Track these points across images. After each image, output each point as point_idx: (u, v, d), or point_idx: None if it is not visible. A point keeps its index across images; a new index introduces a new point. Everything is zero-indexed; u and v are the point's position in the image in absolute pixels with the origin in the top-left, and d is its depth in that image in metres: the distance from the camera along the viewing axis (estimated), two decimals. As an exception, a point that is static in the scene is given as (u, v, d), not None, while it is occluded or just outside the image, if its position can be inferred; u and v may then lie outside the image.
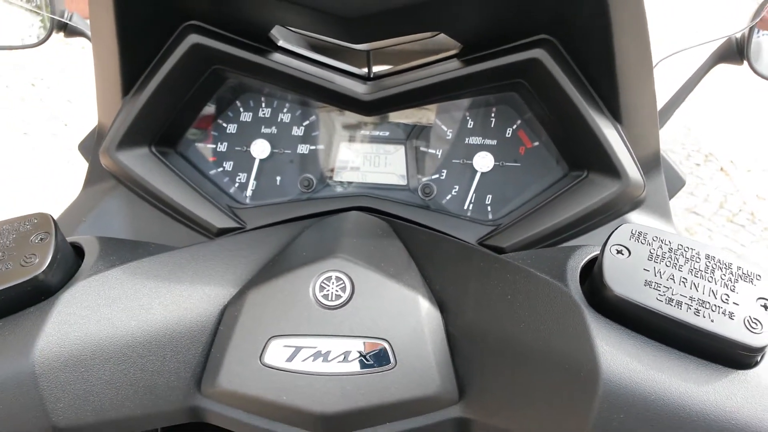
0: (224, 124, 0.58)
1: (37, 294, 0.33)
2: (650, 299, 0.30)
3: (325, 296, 0.34)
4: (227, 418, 0.33)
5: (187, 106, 0.55)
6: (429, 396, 0.31)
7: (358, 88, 0.51)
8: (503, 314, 0.33)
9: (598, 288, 0.32)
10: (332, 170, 0.56)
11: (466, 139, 0.53)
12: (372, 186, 0.55)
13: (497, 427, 0.31)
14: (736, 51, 0.74)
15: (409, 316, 0.32)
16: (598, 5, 0.41)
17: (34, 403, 0.30)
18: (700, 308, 0.30)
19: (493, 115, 0.53)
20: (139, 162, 0.52)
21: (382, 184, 0.54)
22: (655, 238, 0.33)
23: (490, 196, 0.52)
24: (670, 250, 0.32)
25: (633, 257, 0.32)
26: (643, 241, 0.33)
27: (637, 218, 0.50)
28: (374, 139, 0.55)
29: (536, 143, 0.51)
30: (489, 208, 0.52)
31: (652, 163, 0.51)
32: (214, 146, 0.58)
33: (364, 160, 0.55)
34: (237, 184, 0.58)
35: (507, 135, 0.53)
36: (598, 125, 0.46)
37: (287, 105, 0.57)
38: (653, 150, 0.50)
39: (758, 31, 0.73)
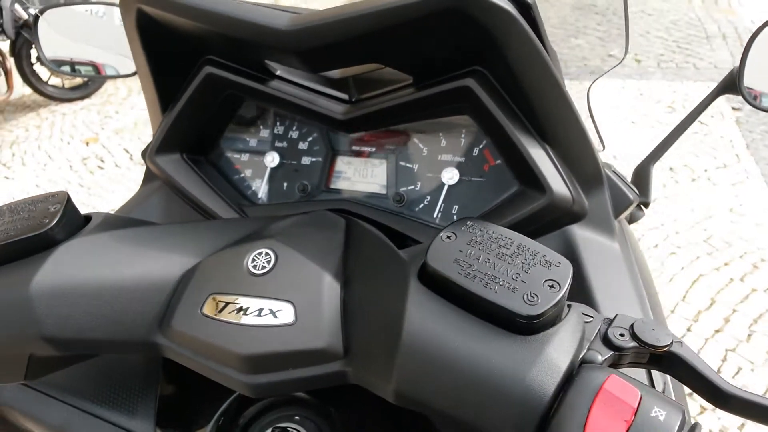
0: (247, 138, 0.67)
1: (44, 245, 0.42)
2: (452, 272, 0.36)
3: (254, 266, 0.42)
4: (177, 353, 0.41)
5: (212, 122, 0.65)
6: (319, 349, 0.39)
7: (336, 110, 0.59)
8: (375, 286, 0.40)
9: (423, 263, 0.39)
10: (329, 179, 0.64)
11: (438, 156, 0.61)
12: (358, 193, 0.63)
13: (367, 379, 0.39)
14: (737, 83, 0.76)
15: (313, 286, 0.40)
16: (498, 47, 0.48)
17: (28, 318, 0.40)
18: (489, 282, 0.35)
19: (462, 135, 0.60)
20: (172, 166, 0.64)
21: (366, 192, 0.63)
22: (482, 229, 0.39)
23: (456, 206, 0.59)
24: (489, 238, 0.38)
25: (456, 241, 0.38)
26: (470, 230, 0.39)
27: (578, 230, 0.55)
28: (363, 154, 0.63)
29: (498, 161, 0.58)
30: (455, 217, 0.59)
31: (593, 181, 0.56)
32: (238, 156, 0.67)
33: (354, 171, 0.64)
34: (252, 188, 0.67)
35: (474, 153, 0.59)
36: (524, 145, 0.51)
37: (296, 124, 0.66)
38: (592, 169, 0.56)
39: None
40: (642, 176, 0.81)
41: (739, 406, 0.36)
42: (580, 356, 0.36)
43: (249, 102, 0.65)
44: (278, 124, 0.66)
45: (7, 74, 4.17)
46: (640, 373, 0.51)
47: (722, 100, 3.66)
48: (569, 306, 0.38)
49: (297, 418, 0.50)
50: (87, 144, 3.81)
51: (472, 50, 0.50)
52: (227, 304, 0.41)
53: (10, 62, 4.22)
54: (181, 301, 0.42)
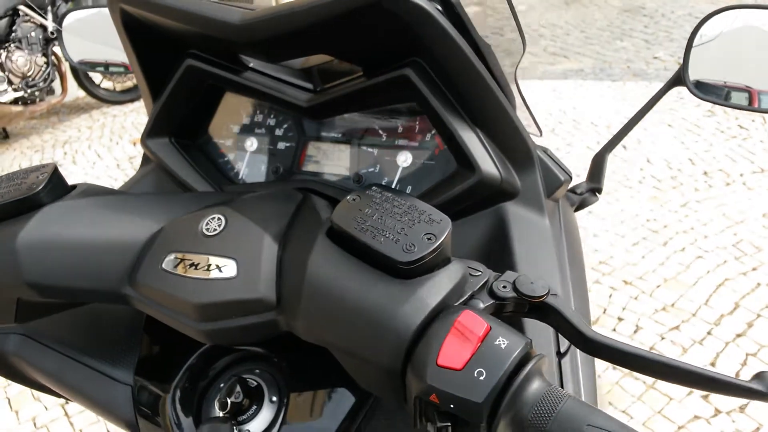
0: (231, 125, 0.74)
1: (32, 207, 0.50)
2: (350, 227, 0.41)
3: (207, 229, 0.48)
4: (142, 303, 0.48)
5: (197, 111, 0.72)
6: (255, 299, 0.44)
7: (301, 98, 0.65)
8: (302, 244, 0.46)
9: (330, 221, 0.44)
10: (300, 162, 0.71)
11: (395, 141, 0.66)
12: (326, 175, 0.69)
13: (292, 325, 0.44)
14: (682, 76, 0.78)
15: (254, 246, 0.46)
16: (421, 41, 0.53)
17: (14, 266, 0.47)
18: (377, 235, 0.40)
19: (417, 122, 0.65)
20: (162, 149, 0.72)
21: (332, 174, 0.68)
22: (382, 193, 0.44)
23: (410, 186, 0.64)
24: (386, 200, 0.43)
25: (359, 202, 0.42)
26: (372, 194, 0.44)
27: (511, 207, 0.59)
28: (331, 140, 0.69)
29: (446, 146, 0.63)
30: None
31: (524, 162, 0.60)
32: (223, 141, 0.74)
33: (322, 155, 0.70)
34: (235, 170, 0.74)
35: (426, 139, 0.64)
36: (456, 130, 0.56)
37: (273, 112, 0.73)
38: (522, 151, 0.60)
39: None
40: (597, 165, 0.84)
41: (601, 350, 0.40)
42: (460, 299, 0.41)
43: (230, 93, 0.72)
44: (257, 113, 0.73)
45: (62, 78, 4.41)
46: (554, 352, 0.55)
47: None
48: (452, 259, 0.43)
49: (257, 371, 0.56)
50: (134, 144, 3.99)
51: (406, 43, 0.55)
52: (182, 260, 0.47)
53: (66, 66, 4.45)
54: (146, 258, 0.48)
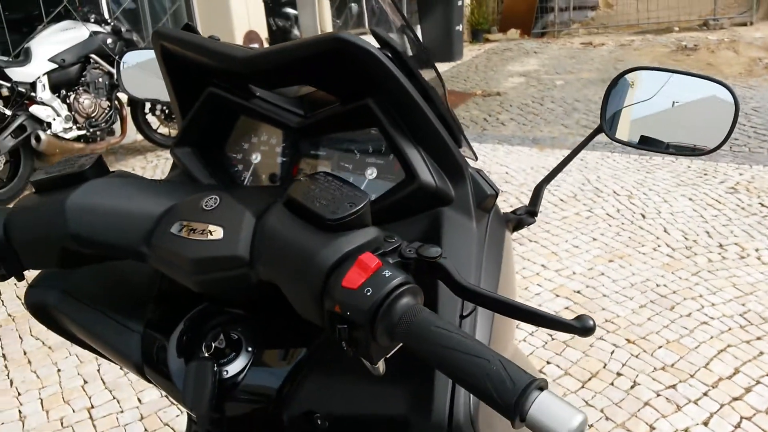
0: (243, 143, 0.91)
1: (80, 180, 0.65)
2: (298, 195, 0.56)
3: (206, 205, 0.64)
4: (155, 259, 0.62)
5: (215, 128, 0.90)
6: (233, 256, 0.57)
7: (293, 120, 0.82)
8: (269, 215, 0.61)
9: (287, 194, 0.59)
10: (294, 173, 0.87)
11: (366, 159, 0.82)
12: None
13: (258, 272, 0.58)
14: (601, 124, 0.91)
15: (237, 217, 0.60)
16: (374, 79, 0.68)
17: (62, 221, 0.62)
18: (316, 200, 0.55)
19: (383, 144, 0.81)
20: (185, 156, 0.88)
21: None
22: (326, 176, 0.59)
23: (374, 194, 0.80)
24: (327, 181, 0.58)
25: (309, 181, 0.58)
26: (319, 177, 0.59)
27: (446, 211, 0.71)
28: (317, 156, 0.86)
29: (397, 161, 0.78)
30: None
31: (458, 177, 0.73)
32: (235, 155, 0.92)
33: (311, 168, 0.86)
34: (242, 178, 0.90)
35: (390, 158, 0.80)
36: (403, 148, 0.70)
37: (274, 132, 0.90)
38: (454, 167, 0.73)
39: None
40: (536, 194, 0.98)
41: (474, 297, 0.55)
42: (378, 251, 0.55)
43: (243, 116, 0.90)
44: (262, 133, 0.90)
45: (123, 121, 4.78)
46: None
47: (787, 184, 3.64)
48: (371, 226, 0.58)
49: (239, 328, 0.71)
50: (180, 185, 4.28)
51: (365, 80, 0.72)
52: (185, 227, 0.64)
53: (127, 111, 4.84)
54: (160, 225, 0.65)
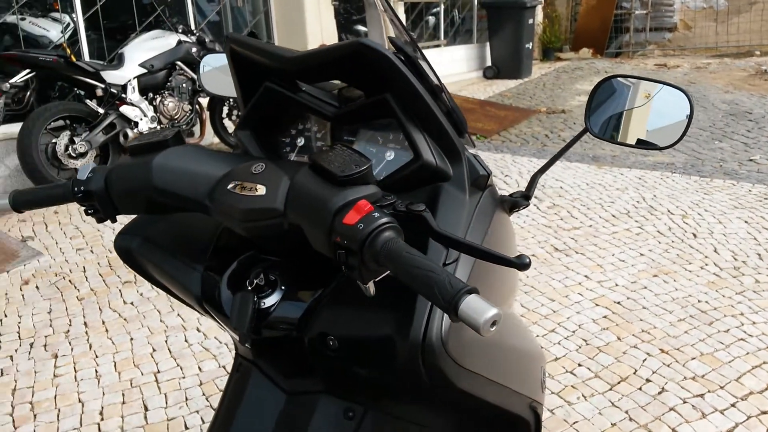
0: (290, 129, 1.10)
1: (163, 147, 0.83)
2: (319, 159, 0.71)
3: (254, 169, 0.80)
4: (215, 211, 0.80)
5: (270, 116, 1.08)
6: (271, 207, 0.72)
7: (329, 111, 1.00)
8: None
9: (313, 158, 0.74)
10: None
11: (387, 144, 0.99)
12: None
13: (288, 219, 0.74)
14: (586, 123, 1.04)
15: (276, 179, 0.73)
16: (389, 76, 0.84)
17: (148, 176, 0.79)
18: (332, 164, 0.72)
19: (401, 134, 0.98)
20: (245, 138, 1.04)
21: None
22: (342, 147, 0.72)
23: (388, 170, 0.96)
24: (343, 150, 0.73)
25: (329, 150, 0.73)
26: (337, 147, 0.73)
27: (444, 185, 0.85)
28: (349, 142, 1.04)
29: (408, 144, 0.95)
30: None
31: (455, 158, 0.87)
32: (285, 139, 1.11)
33: None
34: (288, 158, 1.09)
35: (405, 145, 0.97)
36: (411, 133, 0.84)
37: (316, 121, 1.08)
38: (453, 150, 0.87)
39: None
40: (532, 181, 1.12)
41: (445, 240, 0.71)
42: (377, 203, 0.72)
43: (291, 107, 1.09)
44: (306, 121, 1.09)
45: (202, 124, 5.15)
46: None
47: None
48: (372, 185, 0.74)
49: (276, 271, 0.89)
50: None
51: (383, 77, 0.89)
52: (238, 185, 0.83)
53: (206, 115, 5.21)
54: (220, 184, 0.84)
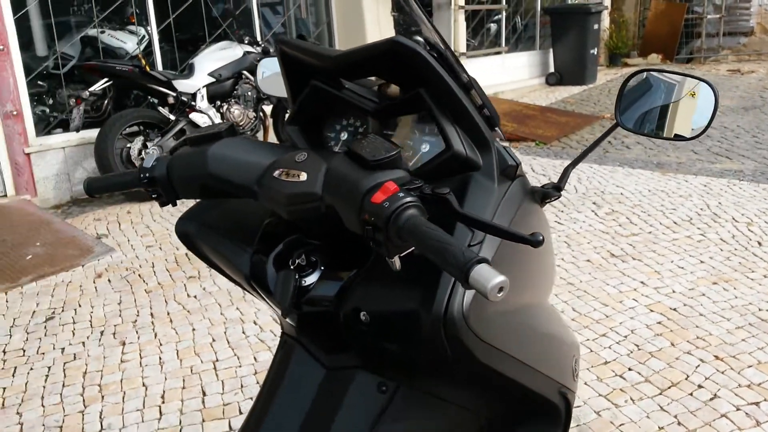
0: (335, 124, 1.18)
1: (218, 138, 0.91)
2: (354, 147, 0.78)
3: (297, 159, 0.85)
4: (262, 196, 0.85)
5: (316, 112, 1.16)
6: (311, 192, 0.78)
7: (370, 106, 1.06)
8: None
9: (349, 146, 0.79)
10: None
11: (423, 137, 1.05)
12: None
13: (325, 203, 0.81)
14: (616, 118, 1.06)
15: (316, 167, 0.77)
16: (423, 72, 0.89)
17: (204, 163, 0.87)
18: (363, 149, 0.78)
19: (435, 127, 1.04)
20: (293, 133, 1.11)
21: None
22: (374, 137, 0.76)
23: (422, 161, 1.02)
24: (375, 139, 0.78)
25: (362, 139, 0.77)
26: (370, 136, 0.77)
27: (475, 174, 0.89)
28: (388, 136, 1.10)
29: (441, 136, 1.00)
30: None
31: (485, 149, 0.90)
32: (330, 134, 1.18)
33: None
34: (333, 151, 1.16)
35: (439, 135, 1.03)
36: (444, 126, 0.88)
37: (359, 116, 1.15)
38: (483, 141, 0.91)
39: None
40: (564, 173, 1.14)
41: (466, 220, 0.76)
42: (404, 186, 0.78)
43: (337, 103, 1.16)
44: (350, 116, 1.16)
45: (266, 130, 5.35)
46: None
47: None
48: (401, 170, 0.80)
49: (318, 253, 0.97)
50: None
51: (417, 73, 0.95)
52: (282, 172, 0.91)
53: (269, 121, 5.40)
54: (267, 171, 0.92)
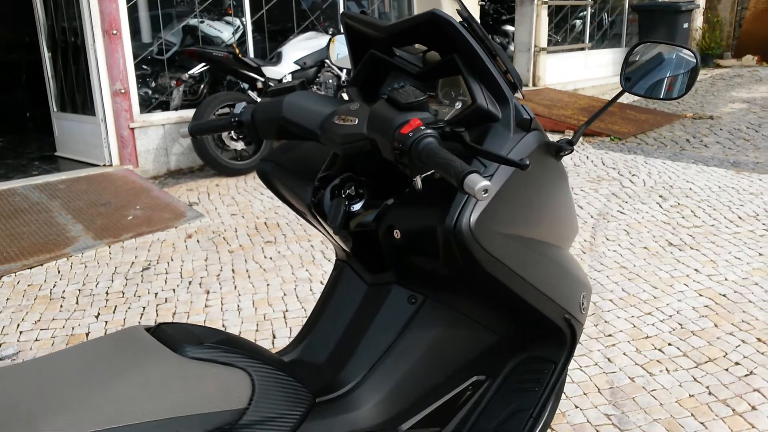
0: (387, 87, 1.39)
1: (290, 91, 1.18)
2: (392, 93, 0.96)
3: (351, 107, 1.05)
4: (324, 138, 1.04)
5: (374, 76, 1.39)
6: (360, 132, 0.97)
7: (413, 70, 1.27)
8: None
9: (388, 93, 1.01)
10: None
11: (457, 96, 1.25)
12: None
13: (371, 138, 0.99)
14: (620, 82, 1.21)
15: (365, 113, 0.97)
16: (454, 40, 1.05)
17: (279, 110, 1.10)
18: (398, 96, 0.96)
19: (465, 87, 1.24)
20: (353, 93, 1.29)
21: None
22: (409, 86, 0.97)
23: (454, 113, 1.23)
24: (409, 89, 0.97)
25: (399, 87, 0.96)
26: (407, 86, 0.98)
27: (494, 124, 1.04)
28: (430, 96, 1.32)
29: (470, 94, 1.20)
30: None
31: (504, 104, 1.05)
32: (384, 95, 1.40)
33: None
34: None
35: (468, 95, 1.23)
36: (471, 85, 1.03)
37: (408, 78, 1.37)
38: (502, 98, 1.06)
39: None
40: (578, 131, 1.32)
41: (474, 150, 0.97)
42: (429, 124, 0.99)
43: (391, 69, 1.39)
44: (399, 80, 1.38)
45: (345, 116, 5.65)
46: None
47: None
48: (427, 112, 1.02)
49: (365, 186, 1.19)
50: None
51: (451, 41, 1.16)
52: (340, 118, 1.13)
53: (349, 108, 5.70)
54: (328, 117, 1.15)
